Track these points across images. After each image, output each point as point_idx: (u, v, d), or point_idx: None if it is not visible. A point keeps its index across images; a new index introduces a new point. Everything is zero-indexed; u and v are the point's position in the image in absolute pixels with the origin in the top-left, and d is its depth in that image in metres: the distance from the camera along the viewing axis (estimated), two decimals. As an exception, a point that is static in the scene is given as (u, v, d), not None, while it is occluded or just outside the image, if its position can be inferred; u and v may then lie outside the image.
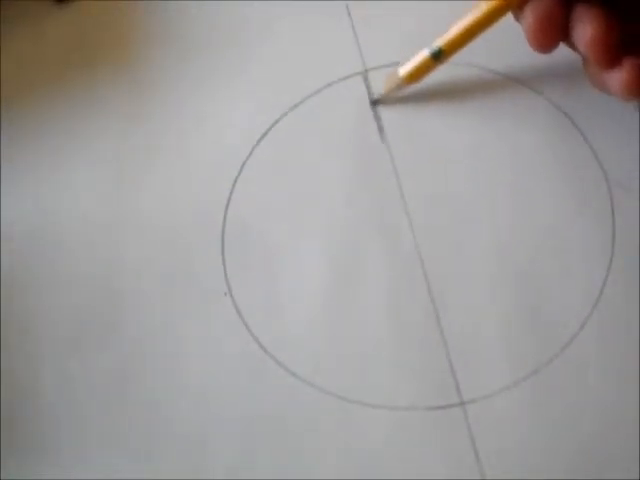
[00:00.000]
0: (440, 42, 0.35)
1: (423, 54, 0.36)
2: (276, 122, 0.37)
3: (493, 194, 0.35)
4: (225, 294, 0.34)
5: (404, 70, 0.36)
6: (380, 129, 0.36)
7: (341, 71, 0.38)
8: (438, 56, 0.35)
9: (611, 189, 0.35)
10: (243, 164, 0.36)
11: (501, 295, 0.33)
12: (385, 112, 0.37)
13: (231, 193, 0.36)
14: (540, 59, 0.34)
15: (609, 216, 0.34)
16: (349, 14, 0.39)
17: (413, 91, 0.37)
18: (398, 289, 0.34)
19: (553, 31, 0.32)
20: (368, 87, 0.38)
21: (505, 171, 0.36)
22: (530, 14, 0.32)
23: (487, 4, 0.34)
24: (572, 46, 0.33)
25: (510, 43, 0.35)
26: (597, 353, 0.32)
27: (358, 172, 0.36)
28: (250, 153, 0.37)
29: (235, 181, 0.36)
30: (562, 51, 0.33)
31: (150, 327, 0.34)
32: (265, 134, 0.37)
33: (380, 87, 0.37)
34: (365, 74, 0.38)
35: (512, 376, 0.32)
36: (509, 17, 0.34)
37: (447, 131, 0.36)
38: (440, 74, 0.36)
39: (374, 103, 0.37)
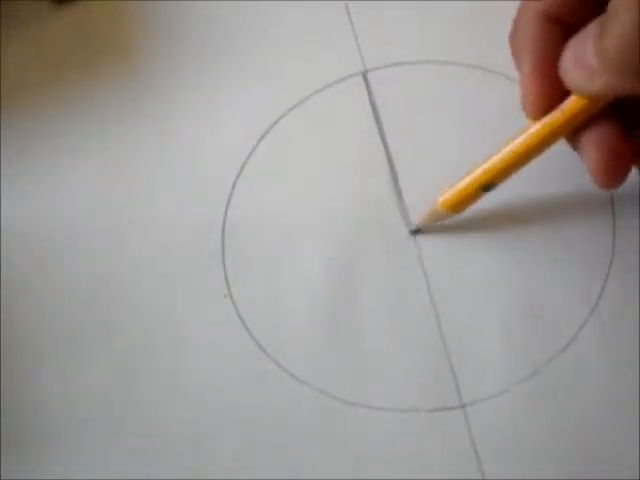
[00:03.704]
0: (489, 173, 0.32)
1: (470, 185, 0.32)
2: (276, 122, 0.37)
3: (492, 196, 0.35)
4: (225, 296, 0.34)
5: (446, 200, 0.33)
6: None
7: (341, 71, 0.38)
8: (488, 188, 0.32)
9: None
10: (243, 165, 0.36)
11: (501, 297, 0.33)
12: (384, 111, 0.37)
13: (231, 194, 0.36)
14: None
15: (609, 216, 0.34)
16: (349, 14, 0.39)
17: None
18: (398, 290, 0.34)
19: (622, 169, 0.30)
20: (368, 87, 0.37)
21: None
22: (593, 151, 0.29)
23: (538, 129, 0.30)
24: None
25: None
26: (597, 354, 0.32)
27: (358, 172, 0.36)
28: (250, 154, 0.36)
29: (235, 182, 0.36)
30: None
31: (150, 328, 0.34)
32: (265, 134, 0.37)
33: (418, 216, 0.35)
34: (365, 74, 0.38)
35: (512, 378, 0.32)
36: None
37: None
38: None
39: (414, 232, 0.35)
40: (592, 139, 0.30)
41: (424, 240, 0.35)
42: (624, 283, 0.33)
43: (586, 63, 0.27)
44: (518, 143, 0.31)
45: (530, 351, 0.32)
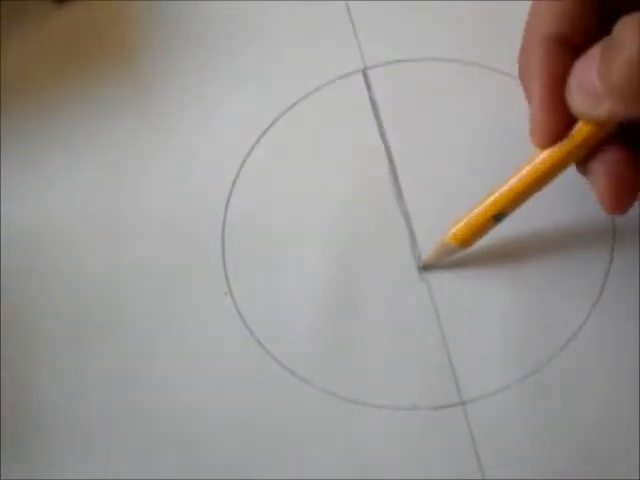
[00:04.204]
0: (501, 204, 0.31)
1: (482, 216, 0.32)
2: (276, 120, 0.37)
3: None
4: (225, 294, 0.34)
5: (458, 233, 0.32)
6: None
7: (341, 69, 0.38)
8: (499, 218, 0.32)
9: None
10: (243, 162, 0.36)
11: (501, 295, 0.33)
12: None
13: (231, 192, 0.36)
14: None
15: (609, 216, 0.34)
16: (349, 11, 0.39)
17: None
18: (398, 288, 0.34)
19: (629, 197, 0.29)
20: (368, 85, 0.37)
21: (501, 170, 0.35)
22: (601, 178, 0.29)
23: (546, 157, 0.30)
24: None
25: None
26: (597, 353, 0.32)
27: (358, 169, 0.36)
28: (250, 151, 0.36)
29: (235, 180, 0.36)
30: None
31: (150, 326, 0.34)
32: (265, 132, 0.37)
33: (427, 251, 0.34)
34: (365, 71, 0.38)
35: (512, 375, 0.32)
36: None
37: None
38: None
39: (424, 269, 0.34)
40: (600, 166, 0.29)
41: (424, 239, 0.35)
42: (624, 282, 0.33)
43: (590, 88, 0.27)
44: (529, 171, 0.30)
45: (530, 349, 0.32)
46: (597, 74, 0.26)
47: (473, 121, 0.36)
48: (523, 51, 0.31)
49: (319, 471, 0.31)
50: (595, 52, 0.27)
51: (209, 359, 0.33)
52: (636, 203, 0.30)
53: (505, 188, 0.31)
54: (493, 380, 0.32)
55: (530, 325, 0.33)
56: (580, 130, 0.29)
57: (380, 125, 0.37)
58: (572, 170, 0.30)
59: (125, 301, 0.34)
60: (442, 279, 0.34)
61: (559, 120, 0.29)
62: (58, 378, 0.33)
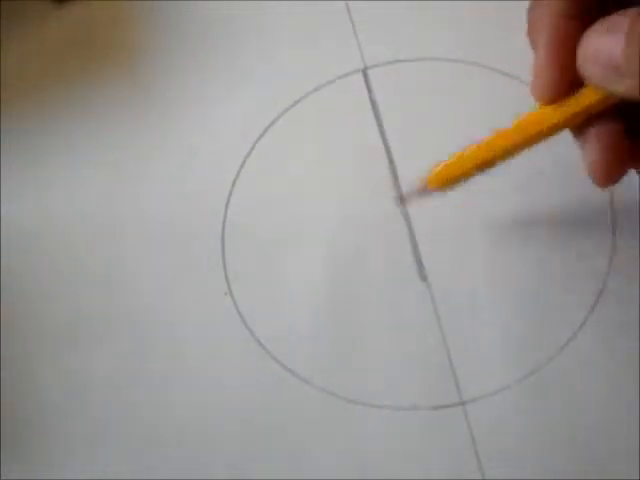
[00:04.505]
0: (488, 155, 0.30)
1: (465, 161, 0.30)
2: (276, 120, 0.37)
3: (492, 196, 0.35)
4: (225, 294, 0.34)
5: (435, 176, 0.31)
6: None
7: (341, 68, 0.38)
8: (483, 170, 0.30)
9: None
10: (243, 162, 0.36)
11: (501, 295, 0.33)
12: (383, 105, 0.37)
13: (231, 192, 0.36)
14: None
15: (609, 216, 0.34)
16: (349, 11, 0.39)
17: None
18: (398, 288, 0.34)
19: (619, 169, 0.29)
20: (368, 84, 0.37)
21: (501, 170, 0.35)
22: (594, 146, 0.29)
23: (550, 113, 0.29)
24: None
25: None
26: (596, 353, 0.32)
27: (358, 169, 0.36)
28: (250, 151, 0.36)
29: (235, 180, 0.36)
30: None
31: (150, 326, 0.34)
32: (265, 132, 0.37)
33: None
34: (365, 71, 0.38)
35: (512, 375, 0.32)
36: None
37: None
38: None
39: (400, 201, 0.33)
40: (595, 134, 0.29)
41: (424, 239, 0.35)
42: (624, 282, 0.33)
43: (610, 61, 0.26)
44: (526, 123, 0.29)
45: (530, 349, 0.32)
46: (622, 53, 0.26)
47: (473, 121, 0.36)
48: (532, 5, 0.30)
49: (319, 471, 0.31)
50: (620, 25, 0.26)
51: (209, 359, 0.33)
52: (630, 182, 0.29)
53: (497, 139, 0.30)
54: (493, 380, 0.32)
55: (530, 325, 0.33)
56: (585, 95, 0.28)
57: (380, 125, 0.37)
58: (570, 172, 0.30)
59: (125, 301, 0.34)
60: (444, 277, 0.34)
61: (563, 76, 0.28)
62: (58, 378, 0.33)
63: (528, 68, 0.37)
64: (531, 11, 0.30)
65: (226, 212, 0.35)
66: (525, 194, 0.35)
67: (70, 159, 0.37)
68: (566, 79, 0.28)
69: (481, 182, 0.35)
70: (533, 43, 0.30)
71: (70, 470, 0.32)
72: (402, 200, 0.33)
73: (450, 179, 0.31)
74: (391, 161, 0.36)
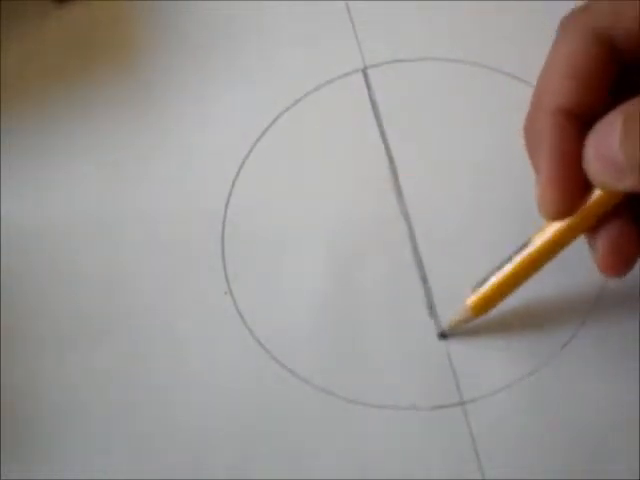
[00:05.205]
0: (519, 277, 0.31)
1: (501, 288, 0.31)
2: (275, 120, 0.37)
3: (493, 199, 0.35)
4: (225, 293, 0.34)
5: (476, 307, 0.32)
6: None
7: (341, 68, 0.38)
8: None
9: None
10: (243, 162, 0.36)
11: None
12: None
13: (231, 192, 0.36)
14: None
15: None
16: (349, 11, 0.39)
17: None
18: (399, 288, 0.34)
19: (627, 265, 0.29)
20: (368, 84, 0.37)
21: (501, 170, 0.35)
22: (603, 247, 0.29)
23: (562, 227, 0.29)
24: None
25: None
26: (596, 352, 0.32)
27: (358, 169, 0.36)
28: (250, 151, 0.37)
29: (235, 180, 0.36)
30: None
31: (150, 325, 0.34)
32: (265, 132, 0.37)
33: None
34: (365, 71, 0.38)
35: (511, 375, 0.32)
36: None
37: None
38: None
39: (442, 336, 0.33)
40: (603, 235, 0.29)
41: (424, 239, 0.35)
42: (624, 283, 0.33)
43: (611, 159, 0.26)
44: (549, 243, 0.30)
45: (529, 349, 0.32)
46: (620, 148, 0.25)
47: (473, 121, 0.36)
48: (530, 122, 0.29)
49: (319, 471, 0.31)
50: (616, 120, 0.26)
51: (209, 359, 0.33)
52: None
53: (521, 262, 0.30)
54: (493, 380, 0.32)
55: (530, 325, 0.33)
56: (595, 197, 0.28)
57: (380, 125, 0.37)
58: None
59: (125, 301, 0.34)
60: (442, 280, 0.34)
61: (569, 196, 0.28)
62: (58, 378, 0.33)
63: (528, 68, 0.37)
64: (529, 127, 0.30)
65: (226, 212, 0.35)
66: (525, 194, 0.35)
67: (70, 159, 0.37)
68: (573, 197, 0.28)
69: (481, 182, 0.35)
70: (533, 162, 0.29)
71: (70, 470, 0.31)
72: (444, 335, 0.33)
73: (490, 306, 0.32)
74: (391, 161, 0.36)
